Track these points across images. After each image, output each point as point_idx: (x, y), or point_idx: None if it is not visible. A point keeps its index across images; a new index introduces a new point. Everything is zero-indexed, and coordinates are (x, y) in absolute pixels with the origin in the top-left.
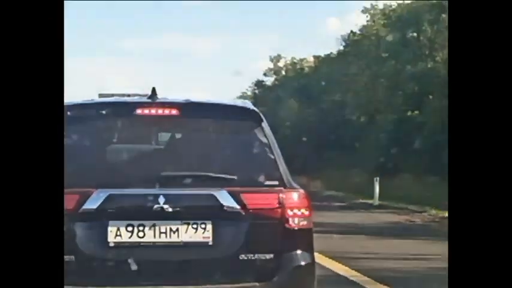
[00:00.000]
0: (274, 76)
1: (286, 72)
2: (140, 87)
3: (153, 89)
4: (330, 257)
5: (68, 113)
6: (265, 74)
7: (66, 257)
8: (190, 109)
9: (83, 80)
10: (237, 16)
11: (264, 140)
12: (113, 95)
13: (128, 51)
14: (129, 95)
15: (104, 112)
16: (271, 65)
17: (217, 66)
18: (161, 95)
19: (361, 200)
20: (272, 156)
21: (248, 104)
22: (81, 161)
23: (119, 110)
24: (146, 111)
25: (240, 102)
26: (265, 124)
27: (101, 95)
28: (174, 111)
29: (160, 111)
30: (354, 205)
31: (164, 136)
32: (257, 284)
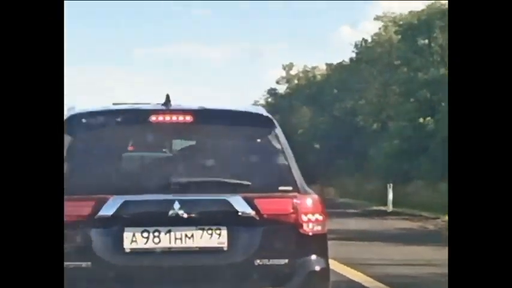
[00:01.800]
0: (287, 84)
1: (298, 80)
2: (153, 97)
3: (167, 96)
4: (344, 263)
5: (83, 120)
6: (277, 82)
7: (83, 264)
8: (204, 115)
9: (96, 90)
10: (248, 25)
11: (278, 145)
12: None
13: (138, 61)
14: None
15: (118, 119)
16: (284, 73)
17: (230, 75)
18: (174, 103)
19: (374, 207)
20: (286, 162)
21: (261, 110)
22: (96, 168)
23: (134, 117)
24: (160, 118)
25: (253, 108)
26: (278, 130)
27: (114, 105)
28: (188, 118)
29: (174, 118)
30: (368, 212)
31: (178, 143)
32: None
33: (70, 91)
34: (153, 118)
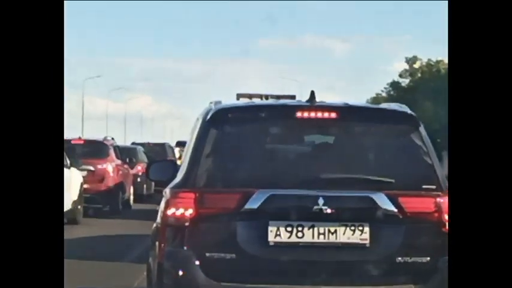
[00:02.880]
0: (410, 78)
1: (422, 73)
2: (277, 88)
3: (312, 93)
4: None
5: (229, 115)
6: (400, 76)
7: (227, 255)
8: (348, 112)
9: (219, 80)
10: (371, 17)
11: (421, 143)
12: (250, 96)
13: (261, 52)
14: (267, 96)
15: (264, 114)
16: (407, 67)
17: (352, 67)
18: (298, 95)
19: None
20: (429, 161)
21: (405, 108)
22: (242, 162)
23: (280, 113)
24: (306, 114)
25: (396, 106)
26: (422, 128)
27: (239, 95)
28: (333, 115)
29: (319, 114)
30: None
31: (321, 138)
32: (413, 286)
33: (193, 83)
34: (298, 114)
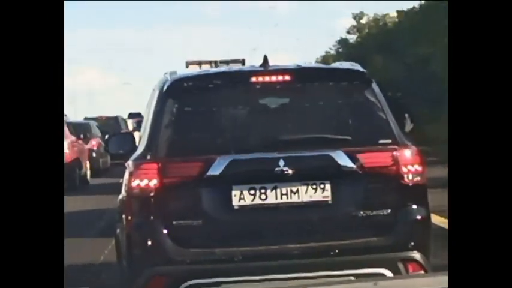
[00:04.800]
0: (358, 34)
1: (369, 29)
2: (225, 53)
3: (265, 57)
4: (432, 212)
5: (185, 84)
6: (348, 32)
7: (194, 222)
8: (302, 74)
9: (168, 48)
10: None
11: (375, 100)
12: (200, 63)
13: (206, 17)
14: (216, 62)
15: (219, 82)
16: (354, 23)
17: (299, 27)
18: (250, 58)
19: None
20: (384, 116)
21: (357, 66)
22: (202, 130)
23: (234, 79)
24: (260, 78)
25: (348, 65)
26: (374, 85)
27: (188, 63)
28: (287, 77)
29: (274, 78)
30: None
31: (276, 101)
32: (375, 238)
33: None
34: (253, 79)
